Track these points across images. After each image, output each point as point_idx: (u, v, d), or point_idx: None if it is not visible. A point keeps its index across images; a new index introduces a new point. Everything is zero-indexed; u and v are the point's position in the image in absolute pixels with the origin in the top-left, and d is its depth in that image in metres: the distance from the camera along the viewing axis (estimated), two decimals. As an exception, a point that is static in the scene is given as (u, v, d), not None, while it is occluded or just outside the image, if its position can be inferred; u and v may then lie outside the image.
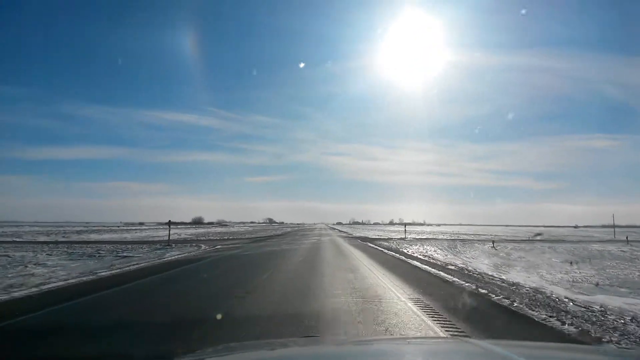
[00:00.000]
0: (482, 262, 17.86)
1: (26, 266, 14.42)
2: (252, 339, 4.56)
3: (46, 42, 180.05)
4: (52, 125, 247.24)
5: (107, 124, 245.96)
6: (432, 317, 6.38)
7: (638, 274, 14.35)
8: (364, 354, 2.28)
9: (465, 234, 57.00)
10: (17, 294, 8.75)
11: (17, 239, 33.73)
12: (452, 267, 14.37)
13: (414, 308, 7.07)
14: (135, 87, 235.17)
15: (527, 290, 9.32)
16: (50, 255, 19.10)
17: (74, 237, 38.53)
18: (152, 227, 75.37)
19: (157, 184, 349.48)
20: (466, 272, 13.10)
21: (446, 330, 5.57)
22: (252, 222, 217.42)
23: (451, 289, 9.45)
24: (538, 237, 29.45)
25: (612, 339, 5.29)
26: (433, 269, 13.56)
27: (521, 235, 56.46)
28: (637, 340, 5.26)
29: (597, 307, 7.31)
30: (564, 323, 5.97)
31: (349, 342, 3.12)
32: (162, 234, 40.22)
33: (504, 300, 7.93)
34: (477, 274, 12.46)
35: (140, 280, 10.74)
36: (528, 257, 21.80)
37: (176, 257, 17.61)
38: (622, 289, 10.58)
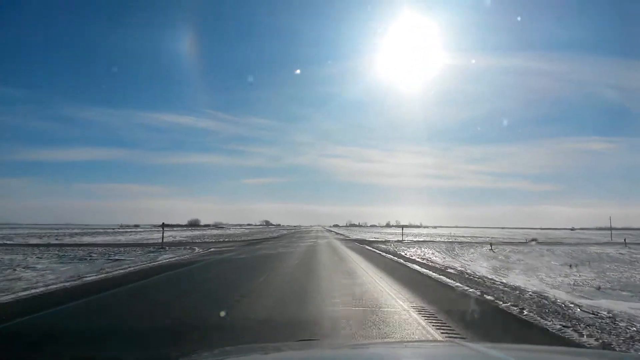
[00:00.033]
0: (480, 265, 17.62)
1: (15, 269, 14.04)
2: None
3: (44, 44, 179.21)
4: (50, 127, 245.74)
5: (105, 125, 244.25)
6: (441, 329, 5.85)
7: (638, 277, 14.13)
8: (361, 358, 2.28)
9: (463, 237, 56.76)
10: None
11: (9, 242, 33.21)
12: (452, 271, 14.07)
13: (420, 319, 6.48)
14: (133, 89, 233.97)
15: (530, 295, 9.02)
16: (41, 258, 18.69)
17: (67, 240, 38.03)
18: (147, 230, 74.81)
19: (155, 185, 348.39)
20: (466, 275, 12.82)
21: None
22: (248, 225, 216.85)
23: (455, 296, 9.03)
24: (533, 243, 29.18)
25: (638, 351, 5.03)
26: (434, 273, 13.15)
27: (518, 238, 56.34)
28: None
29: (605, 313, 7.05)
30: (581, 334, 5.59)
31: (345, 346, 3.09)
32: (157, 236, 39.60)
33: (512, 307, 7.47)
34: (478, 278, 12.17)
35: (127, 286, 10.26)
36: (527, 260, 21.60)
37: (168, 260, 17.23)
38: (624, 293, 10.41)
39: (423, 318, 6.53)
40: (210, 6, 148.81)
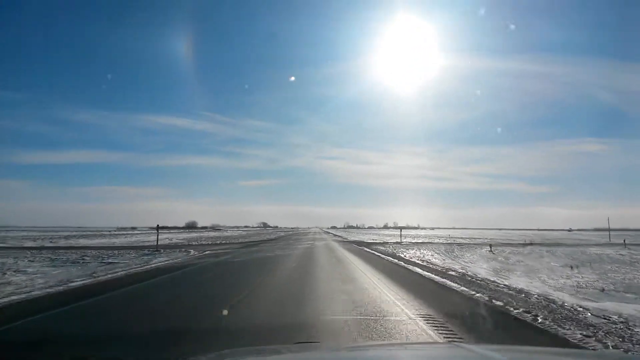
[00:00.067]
0: (481, 267, 17.37)
1: (4, 273, 13.65)
2: None
3: (40, 47, 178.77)
4: (47, 129, 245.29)
5: (102, 128, 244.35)
6: (453, 342, 5.13)
7: (641, 278, 13.89)
8: None
9: (461, 238, 56.58)
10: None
11: (2, 245, 32.69)
12: (453, 273, 13.77)
13: (428, 329, 5.97)
14: (130, 92, 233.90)
15: (537, 298, 8.72)
16: (33, 261, 18.28)
17: (62, 243, 37.50)
18: (144, 232, 74.17)
19: (152, 188, 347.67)
20: (468, 278, 12.53)
21: None
22: (246, 226, 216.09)
23: (462, 301, 8.55)
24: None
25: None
26: (436, 276, 12.73)
27: (515, 239, 56.20)
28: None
29: (616, 317, 6.78)
30: (606, 345, 5.23)
31: (344, 348, 3.06)
32: (154, 239, 38.85)
33: (525, 314, 7.03)
34: (481, 280, 11.89)
35: (113, 292, 9.74)
36: (527, 261, 21.37)
37: (162, 263, 16.80)
38: (628, 295, 10.22)
39: (432, 328, 6.03)
40: (206, 8, 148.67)
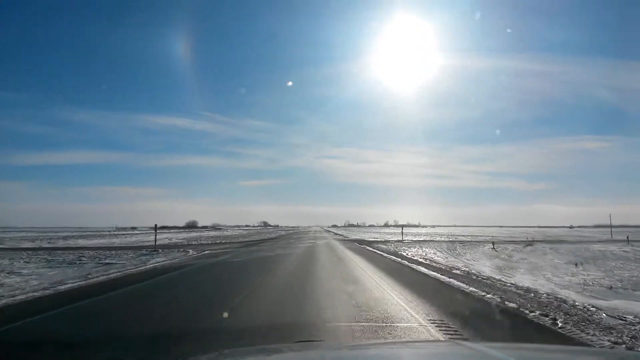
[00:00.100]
0: (484, 265, 17.10)
1: (-2, 274, 13.35)
2: None
3: (39, 47, 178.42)
4: (46, 130, 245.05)
5: (101, 128, 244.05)
6: None
7: (648, 275, 13.61)
8: (361, 358, 2.26)
9: (462, 236, 56.27)
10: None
11: (0, 246, 32.40)
12: (458, 272, 13.46)
13: (443, 338, 5.46)
14: (129, 92, 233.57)
15: (547, 298, 8.39)
16: (29, 262, 18.01)
17: (61, 243, 37.20)
18: (144, 232, 73.80)
19: (152, 188, 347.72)
20: (474, 276, 12.21)
21: None
22: (246, 226, 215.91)
23: (474, 303, 8.00)
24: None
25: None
26: (442, 276, 12.20)
27: (517, 236, 55.98)
28: None
29: (631, 317, 6.49)
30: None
31: (345, 347, 3.02)
32: (153, 238, 38.61)
33: (542, 318, 6.57)
34: (486, 279, 11.58)
35: (106, 295, 9.31)
36: (530, 259, 21.10)
37: (159, 264, 16.43)
38: (637, 292, 10.01)
39: (447, 337, 5.54)
40: (206, 8, 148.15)
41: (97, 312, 7.69)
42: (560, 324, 6.13)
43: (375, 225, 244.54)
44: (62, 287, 10.58)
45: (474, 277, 12.13)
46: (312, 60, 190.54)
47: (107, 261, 18.07)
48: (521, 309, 7.21)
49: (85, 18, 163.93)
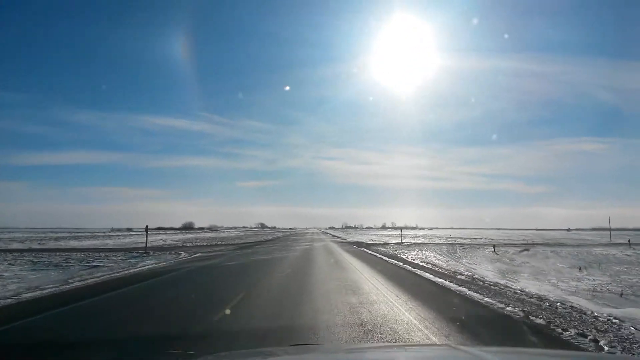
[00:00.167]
0: (486, 269, 16.55)
1: (-22, 278, 12.60)
2: None
3: (38, 48, 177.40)
4: (45, 130, 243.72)
5: (100, 129, 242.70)
6: None
7: (656, 281, 13.09)
8: None
9: (461, 238, 55.73)
10: None
11: (-13, 247, 31.55)
12: (463, 277, 12.81)
13: None
14: (128, 93, 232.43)
15: (564, 308, 7.71)
16: (13, 265, 17.30)
17: (52, 244, 36.35)
18: (138, 233, 72.85)
19: (150, 189, 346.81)
20: (480, 282, 11.53)
21: None
22: (244, 227, 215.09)
23: (497, 320, 6.93)
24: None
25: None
26: (451, 284, 11.11)
27: (515, 239, 55.57)
28: None
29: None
30: None
31: (342, 350, 3.02)
32: (148, 239, 37.78)
33: (581, 338, 5.63)
34: (493, 285, 10.94)
35: (81, 302, 8.51)
36: (532, 263, 20.57)
37: (147, 267, 15.70)
38: None
39: None
40: (204, 10, 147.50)
41: (59, 324, 6.84)
42: (607, 348, 5.22)
43: (373, 227, 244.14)
44: (40, 292, 9.86)
45: (480, 282, 11.47)
46: (310, 60, 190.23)
47: (94, 264, 17.37)
48: (551, 327, 6.29)
49: (84, 19, 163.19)
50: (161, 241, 43.11)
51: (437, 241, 44.10)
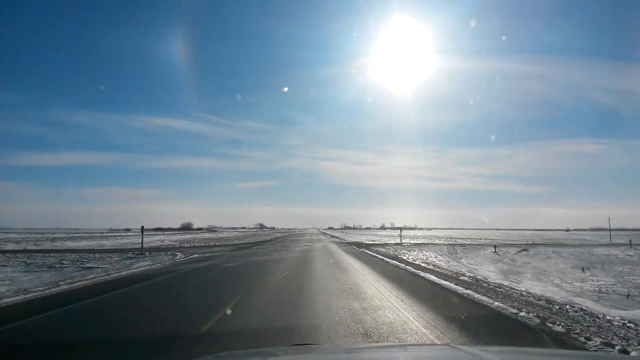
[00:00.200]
0: (488, 270, 16.29)
1: (-35, 280, 12.23)
2: None
3: (36, 49, 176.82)
4: (43, 131, 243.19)
5: (98, 130, 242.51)
6: None
7: (661, 281, 12.84)
8: None
9: (461, 238, 55.48)
10: None
11: (-19, 248, 31.15)
12: (466, 278, 12.49)
13: None
14: (126, 93, 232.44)
15: (575, 311, 7.37)
16: (6, 266, 16.94)
17: (47, 245, 35.94)
18: (136, 234, 72.48)
19: (149, 189, 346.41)
20: (484, 284, 11.20)
21: None
22: (243, 228, 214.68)
23: (513, 328, 6.43)
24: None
25: None
26: (457, 286, 10.55)
27: (515, 239, 55.37)
28: None
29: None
30: None
31: (341, 350, 3.00)
32: (146, 240, 37.42)
33: (608, 349, 5.23)
34: (497, 286, 10.61)
35: (68, 307, 8.07)
36: (534, 263, 20.30)
37: (141, 269, 15.31)
38: None
39: None
40: (203, 11, 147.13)
41: (37, 331, 6.41)
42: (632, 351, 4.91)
43: (372, 227, 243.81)
44: (27, 295, 9.48)
45: (485, 284, 11.14)
46: (308, 61, 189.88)
47: (88, 265, 17.03)
48: (572, 334, 5.85)
49: (83, 20, 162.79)
50: (159, 242, 42.77)
51: (437, 241, 43.80)
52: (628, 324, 6.36)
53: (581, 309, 7.69)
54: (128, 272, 14.30)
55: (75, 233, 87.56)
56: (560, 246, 38.02)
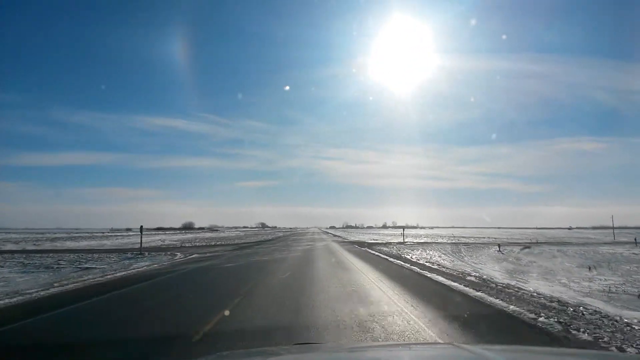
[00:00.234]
0: (494, 269, 16.04)
1: (-40, 282, 11.97)
2: None
3: (36, 49, 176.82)
4: (43, 131, 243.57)
5: (98, 130, 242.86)
6: None
7: (670, 281, 12.55)
8: None
9: (463, 237, 55.13)
10: None
11: (-20, 249, 30.93)
12: (473, 279, 12.16)
13: None
14: (126, 93, 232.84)
15: (595, 316, 7.02)
16: (2, 267, 16.66)
17: (47, 245, 35.71)
18: (137, 234, 72.29)
19: (150, 189, 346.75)
20: (492, 285, 10.82)
21: None
22: (244, 227, 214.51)
23: (534, 333, 5.94)
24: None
25: None
26: (467, 288, 10.06)
27: (518, 237, 55.08)
28: None
29: None
30: None
31: (344, 349, 2.98)
32: (146, 239, 37.29)
33: None
34: (505, 287, 10.24)
35: (61, 309, 7.72)
36: (540, 262, 19.97)
37: (139, 270, 15.01)
38: None
39: None
40: (203, 11, 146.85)
41: (23, 337, 6.08)
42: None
43: (374, 226, 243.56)
44: (21, 297, 9.18)
45: (493, 285, 10.78)
46: (309, 61, 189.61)
47: (86, 265, 16.76)
48: (601, 343, 5.40)
49: (83, 20, 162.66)
50: (159, 241, 42.53)
51: (439, 240, 43.46)
52: (648, 328, 6.01)
53: (596, 311, 7.34)
54: (125, 273, 14.00)
55: (76, 233, 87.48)
56: (565, 244, 37.66)
